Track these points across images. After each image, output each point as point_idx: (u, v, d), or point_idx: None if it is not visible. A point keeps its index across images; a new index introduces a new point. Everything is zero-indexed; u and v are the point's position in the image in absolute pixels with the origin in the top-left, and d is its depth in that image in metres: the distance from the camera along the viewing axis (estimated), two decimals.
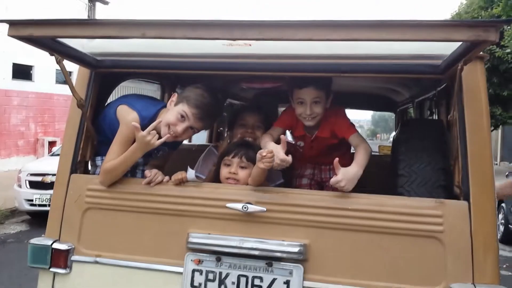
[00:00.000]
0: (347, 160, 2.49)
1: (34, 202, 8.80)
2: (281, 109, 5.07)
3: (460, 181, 2.21)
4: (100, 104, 2.74)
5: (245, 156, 2.58)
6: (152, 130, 2.38)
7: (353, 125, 2.85)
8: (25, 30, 1.94)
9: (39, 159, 12.72)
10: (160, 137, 2.43)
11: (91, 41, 2.41)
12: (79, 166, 2.56)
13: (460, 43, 1.93)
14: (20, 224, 9.24)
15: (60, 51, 2.28)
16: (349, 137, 2.73)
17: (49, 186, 8.45)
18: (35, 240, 2.48)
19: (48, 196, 8.49)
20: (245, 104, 4.77)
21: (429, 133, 2.60)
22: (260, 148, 2.51)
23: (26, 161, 12.77)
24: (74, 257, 2.44)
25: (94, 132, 2.64)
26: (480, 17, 14.81)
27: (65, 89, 14.94)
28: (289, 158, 2.32)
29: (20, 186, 9.02)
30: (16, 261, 6.48)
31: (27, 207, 8.92)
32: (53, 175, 7.85)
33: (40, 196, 8.77)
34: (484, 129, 2.24)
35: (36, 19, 1.93)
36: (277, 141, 2.62)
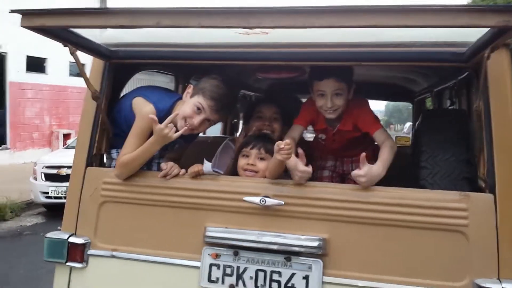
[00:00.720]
0: (370, 154, 2.40)
1: (49, 195, 8.88)
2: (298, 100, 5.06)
3: (485, 173, 2.14)
4: (115, 96, 2.71)
5: (264, 147, 2.53)
6: (170, 123, 2.34)
7: (378, 120, 2.75)
8: (38, 20, 1.90)
9: (54, 152, 12.83)
10: (177, 130, 2.39)
11: (104, 31, 2.37)
12: (94, 159, 2.53)
13: (487, 29, 1.85)
14: (36, 216, 9.32)
15: (74, 42, 2.24)
16: (374, 133, 2.63)
17: (65, 178, 8.51)
18: (51, 234, 2.47)
19: (64, 189, 8.57)
20: (261, 96, 4.70)
21: (452, 124, 2.52)
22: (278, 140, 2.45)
23: (41, 154, 12.88)
24: (90, 251, 2.42)
25: (109, 124, 2.60)
26: (495, 2, 14.54)
27: (79, 82, 15.02)
28: (309, 168, 2.24)
29: (35, 178, 9.09)
30: (32, 253, 6.53)
31: (42, 199, 9.00)
32: (68, 167, 7.89)
33: (55, 188, 8.84)
34: (511, 119, 2.16)
35: (48, 8, 1.89)
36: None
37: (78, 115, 16.15)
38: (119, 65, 2.65)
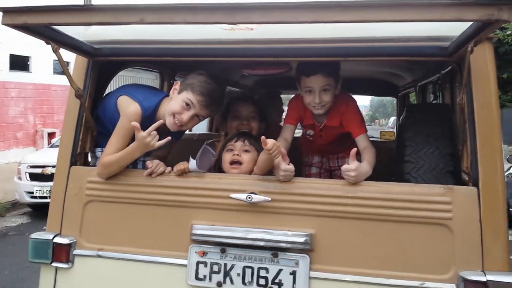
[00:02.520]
0: (357, 150, 2.41)
1: (34, 194, 8.78)
2: (283, 96, 5.06)
3: (469, 167, 2.16)
4: (99, 94, 2.68)
5: (248, 140, 2.56)
6: (153, 131, 2.32)
7: (364, 123, 2.75)
8: (19, 18, 1.87)
9: (38, 151, 12.71)
10: (160, 136, 2.37)
11: (88, 28, 2.35)
12: (78, 158, 2.50)
13: (470, 23, 1.86)
14: (21, 216, 9.22)
15: (57, 40, 2.21)
16: (357, 136, 2.64)
17: (49, 178, 8.43)
18: (36, 235, 2.43)
19: (49, 188, 8.47)
20: (238, 95, 4.69)
21: (436, 118, 2.53)
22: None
23: (26, 153, 12.73)
24: (76, 251, 2.39)
25: (94, 123, 2.57)
26: None
27: (63, 80, 14.90)
28: (291, 167, 2.23)
29: (20, 178, 8.99)
30: (17, 254, 6.47)
31: (27, 199, 8.90)
32: (53, 166, 7.84)
33: (40, 188, 8.75)
34: (494, 112, 2.18)
35: (30, 6, 1.86)
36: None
37: (62, 114, 15.91)
38: (103, 62, 2.62)
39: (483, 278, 1.99)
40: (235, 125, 3.01)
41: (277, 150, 2.17)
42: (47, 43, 2.17)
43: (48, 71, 16.83)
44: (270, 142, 2.15)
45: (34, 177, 8.88)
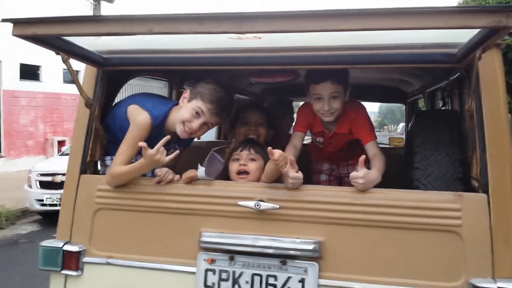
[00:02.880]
0: (366, 158, 2.41)
1: (44, 202, 8.82)
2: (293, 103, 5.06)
3: (478, 173, 2.15)
4: (108, 103, 2.70)
5: (253, 148, 2.57)
6: (160, 148, 2.31)
7: (373, 130, 2.75)
8: (29, 29, 1.90)
9: (48, 159, 12.77)
10: (172, 139, 2.38)
11: (97, 38, 2.37)
12: (88, 166, 2.52)
13: (478, 30, 1.86)
14: (31, 224, 9.27)
15: (66, 50, 2.24)
16: (367, 143, 2.64)
17: (59, 186, 8.45)
18: (46, 243, 2.46)
19: (59, 196, 8.52)
20: (246, 102, 4.71)
21: (445, 124, 2.53)
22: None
23: (36, 161, 12.83)
24: (85, 259, 2.41)
25: (103, 131, 2.59)
26: (487, 3, 14.60)
27: (73, 89, 14.91)
28: (300, 174, 2.23)
29: (30, 186, 9.04)
30: (28, 261, 6.50)
31: (37, 207, 8.94)
32: (63, 174, 7.83)
33: (50, 196, 8.79)
34: (503, 119, 2.17)
35: (40, 17, 1.89)
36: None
37: (72, 122, 16.07)
38: (112, 72, 2.64)
39: (493, 285, 1.98)
40: (243, 131, 3.02)
41: (284, 160, 2.16)
42: (57, 54, 2.20)
43: (58, 80, 16.96)
44: (277, 153, 2.14)
45: (44, 185, 8.92)
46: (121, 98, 2.76)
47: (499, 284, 1.97)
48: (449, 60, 2.26)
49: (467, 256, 2.05)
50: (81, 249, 2.40)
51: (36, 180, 8.98)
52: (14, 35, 1.90)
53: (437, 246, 2.09)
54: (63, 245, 2.41)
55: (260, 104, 3.24)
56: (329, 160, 3.26)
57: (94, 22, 1.91)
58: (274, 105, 4.45)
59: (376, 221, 2.15)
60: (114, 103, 2.76)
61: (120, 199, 2.41)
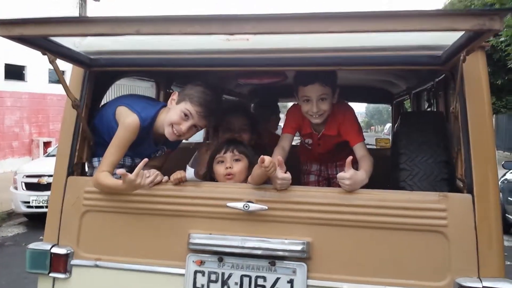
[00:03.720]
0: (354, 159, 2.42)
1: (31, 204, 8.72)
2: (280, 104, 5.07)
3: (463, 174, 2.18)
4: (95, 104, 2.69)
5: (237, 149, 2.56)
6: (140, 171, 2.25)
7: (361, 132, 2.78)
8: (16, 29, 1.87)
9: (34, 160, 12.67)
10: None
11: (83, 39, 2.35)
12: (76, 168, 2.51)
13: (462, 33, 1.88)
14: (18, 226, 9.18)
15: (53, 51, 2.22)
16: (355, 145, 2.66)
17: (46, 187, 8.39)
18: (33, 245, 2.44)
19: (45, 198, 8.45)
20: (229, 105, 4.71)
21: (430, 126, 2.56)
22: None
23: (22, 163, 12.71)
24: (73, 261, 2.39)
25: (91, 133, 2.58)
26: (473, 5, 14.80)
27: (58, 89, 14.84)
28: (288, 175, 2.24)
29: (16, 188, 8.95)
30: (15, 264, 6.43)
31: (24, 209, 8.85)
32: (49, 176, 7.80)
33: (36, 197, 8.69)
34: (487, 120, 2.20)
35: (26, 18, 1.87)
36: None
37: (58, 123, 16.01)
38: (99, 72, 2.63)
39: (479, 285, 2.01)
40: (227, 137, 3.01)
41: (273, 167, 2.16)
42: (44, 54, 2.19)
43: (44, 80, 16.81)
44: (267, 160, 2.13)
45: (30, 186, 8.83)
46: (108, 98, 2.75)
47: (485, 284, 2.00)
48: (434, 62, 2.29)
49: (453, 256, 2.08)
50: (69, 251, 2.39)
51: (22, 182, 8.89)
52: (0, 35, 1.89)
53: (423, 246, 2.12)
54: (51, 248, 2.39)
55: (244, 107, 3.23)
56: (318, 161, 3.28)
57: (82, 23, 1.90)
58: (261, 106, 4.46)
59: (363, 222, 2.17)
60: (101, 104, 2.75)
61: (108, 201, 2.39)
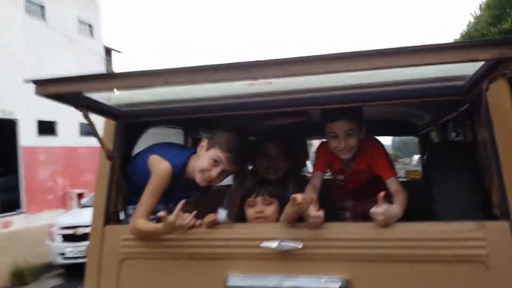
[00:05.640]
0: (388, 194, 2.41)
1: (67, 256, 8.85)
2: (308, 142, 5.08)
3: (498, 201, 2.15)
4: (128, 153, 2.77)
5: (267, 193, 2.56)
6: (178, 212, 2.30)
7: (393, 166, 2.77)
8: (52, 88, 1.99)
9: (69, 212, 12.88)
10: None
11: (113, 94, 2.45)
12: (112, 217, 2.58)
13: (483, 62, 1.90)
14: (55, 278, 9.29)
15: (86, 105, 2.32)
16: (387, 179, 2.66)
17: (81, 238, 8.53)
18: None
19: (81, 248, 8.57)
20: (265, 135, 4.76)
21: (459, 154, 2.55)
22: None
23: (57, 215, 12.91)
24: None
25: (124, 182, 2.66)
26: (489, 33, 14.68)
27: (89, 141, 15.24)
28: (321, 213, 2.23)
29: (52, 240, 9.10)
30: None
31: (60, 260, 8.98)
32: (85, 226, 7.92)
33: (73, 249, 8.84)
34: None
35: (61, 77, 1.98)
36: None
37: (90, 174, 16.28)
38: (129, 124, 2.73)
39: None
40: (265, 166, 3.05)
41: (307, 203, 2.16)
42: (77, 109, 2.28)
43: (75, 133, 17.26)
44: (299, 197, 2.12)
45: (66, 238, 8.99)
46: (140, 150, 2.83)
47: None
48: (457, 93, 2.30)
49: (496, 286, 2.03)
50: None
51: (58, 234, 9.05)
52: (38, 94, 1.99)
53: (464, 278, 2.08)
54: None
55: (279, 137, 3.25)
56: (352, 197, 3.27)
57: (114, 78, 2.00)
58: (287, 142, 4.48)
59: (401, 256, 2.14)
60: (134, 154, 2.83)
61: (144, 247, 2.44)
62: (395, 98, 2.40)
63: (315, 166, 2.92)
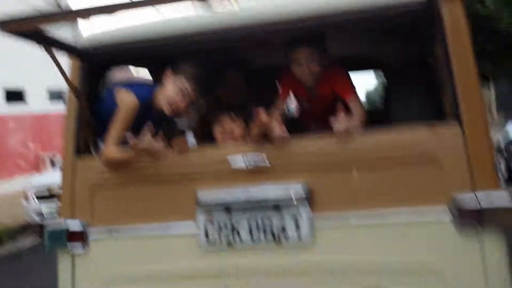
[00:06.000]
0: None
1: (44, 214, 8.91)
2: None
3: (451, 109, 2.26)
4: (94, 92, 2.83)
5: (233, 112, 2.73)
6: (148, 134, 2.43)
7: (354, 87, 2.88)
8: (14, 25, 2.10)
9: (42, 174, 12.83)
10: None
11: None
12: (82, 149, 2.64)
13: None
14: (31, 237, 9.35)
15: (50, 43, 2.38)
16: (348, 99, 2.77)
17: (56, 197, 8.57)
18: (50, 226, 2.57)
19: (56, 206, 8.60)
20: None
21: (417, 75, 2.64)
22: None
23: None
24: (89, 236, 2.51)
25: (92, 117, 2.72)
26: None
27: (59, 107, 15.02)
28: (285, 130, 2.36)
29: (28, 201, 9.14)
30: (34, 271, 6.54)
31: (37, 219, 9.04)
32: (59, 187, 7.92)
33: (48, 208, 8.88)
34: (469, 56, 2.25)
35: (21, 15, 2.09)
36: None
37: (60, 138, 16.04)
38: (95, 62, 2.78)
39: (472, 196, 2.12)
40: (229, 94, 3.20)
41: (270, 121, 2.29)
42: (39, 44, 2.33)
43: (44, 100, 16.96)
44: (264, 116, 2.27)
45: (41, 198, 9.03)
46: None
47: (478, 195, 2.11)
48: (417, 7, 2.33)
49: (447, 177, 2.18)
50: (84, 225, 2.52)
51: (33, 194, 9.08)
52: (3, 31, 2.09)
53: (419, 174, 2.21)
54: (67, 226, 2.52)
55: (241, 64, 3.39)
56: (317, 123, 3.38)
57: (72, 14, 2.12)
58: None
59: (359, 161, 2.28)
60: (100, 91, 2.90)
61: (116, 176, 2.52)
62: (356, 23, 2.47)
63: (280, 96, 3.03)
